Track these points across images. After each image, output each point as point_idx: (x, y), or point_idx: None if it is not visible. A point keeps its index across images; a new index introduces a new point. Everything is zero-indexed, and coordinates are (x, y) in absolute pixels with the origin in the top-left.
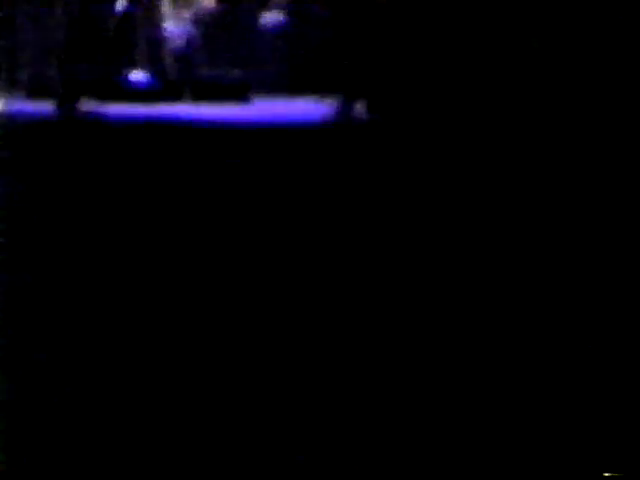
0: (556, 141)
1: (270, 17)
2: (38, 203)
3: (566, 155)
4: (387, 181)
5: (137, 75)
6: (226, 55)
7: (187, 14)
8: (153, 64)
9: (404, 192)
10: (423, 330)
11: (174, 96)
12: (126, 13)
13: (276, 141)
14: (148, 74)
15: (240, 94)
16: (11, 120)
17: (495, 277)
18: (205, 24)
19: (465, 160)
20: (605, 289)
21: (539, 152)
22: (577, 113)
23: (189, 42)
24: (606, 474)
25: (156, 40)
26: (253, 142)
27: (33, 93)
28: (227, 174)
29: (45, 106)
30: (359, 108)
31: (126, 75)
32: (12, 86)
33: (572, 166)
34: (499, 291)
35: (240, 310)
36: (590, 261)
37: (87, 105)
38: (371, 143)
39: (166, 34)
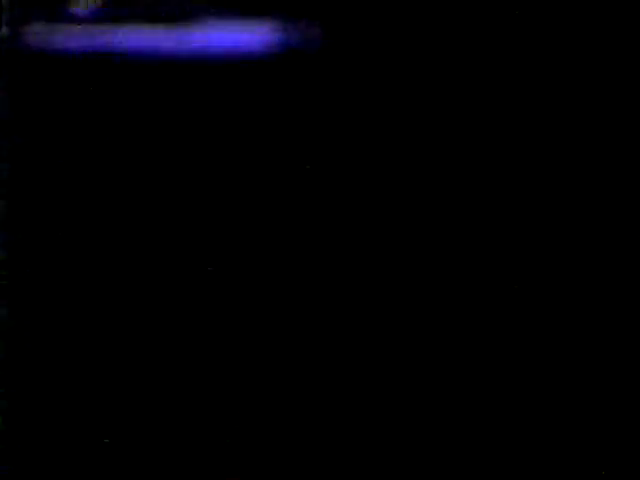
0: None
1: None
2: None
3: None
4: (344, 122)
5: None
6: None
7: None
8: None
9: (363, 133)
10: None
11: (116, 20)
12: None
13: (216, 74)
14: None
15: (182, 17)
16: None
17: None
18: None
19: (434, 95)
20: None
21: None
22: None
23: None
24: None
25: None
26: (194, 75)
27: None
28: (169, 110)
29: None
30: (310, 32)
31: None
32: None
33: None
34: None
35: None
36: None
37: (30, 32)
38: (324, 75)
39: None
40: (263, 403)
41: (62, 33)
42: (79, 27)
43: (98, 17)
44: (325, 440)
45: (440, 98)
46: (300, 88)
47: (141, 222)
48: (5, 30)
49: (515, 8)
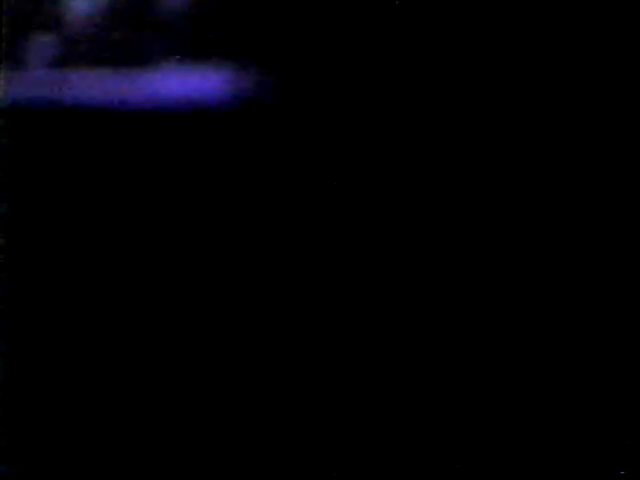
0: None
1: None
2: None
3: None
4: (298, 172)
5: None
6: (128, 20)
7: None
8: (56, 28)
9: (318, 183)
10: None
11: (78, 61)
12: None
13: (169, 123)
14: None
15: (143, 61)
16: None
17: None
18: None
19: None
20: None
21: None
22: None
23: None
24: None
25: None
26: (147, 124)
27: None
28: (123, 161)
29: None
30: (264, 82)
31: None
32: None
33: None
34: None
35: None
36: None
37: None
38: (280, 124)
39: None
40: (263, 403)
41: (13, 80)
42: (32, 73)
43: (50, 61)
44: (325, 440)
45: (396, 142)
46: (256, 137)
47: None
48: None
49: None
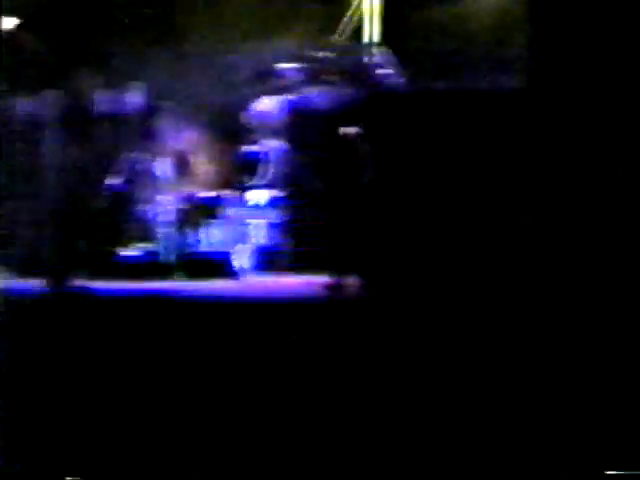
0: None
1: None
2: (30, 376)
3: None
4: (381, 358)
5: (130, 252)
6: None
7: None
8: (146, 241)
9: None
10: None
11: (166, 273)
12: (119, 191)
13: (268, 317)
14: (141, 251)
15: (230, 271)
16: (1, 297)
17: None
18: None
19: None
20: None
21: None
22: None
23: (181, 220)
24: (608, 472)
25: (148, 218)
26: (243, 318)
27: (24, 271)
28: (218, 350)
29: (36, 283)
30: (352, 285)
31: (118, 252)
32: (3, 264)
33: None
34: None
35: None
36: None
37: (78, 281)
38: (363, 320)
39: (159, 212)
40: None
41: (109, 281)
42: (126, 276)
43: (146, 266)
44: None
45: None
46: (341, 333)
47: None
48: None
49: None
